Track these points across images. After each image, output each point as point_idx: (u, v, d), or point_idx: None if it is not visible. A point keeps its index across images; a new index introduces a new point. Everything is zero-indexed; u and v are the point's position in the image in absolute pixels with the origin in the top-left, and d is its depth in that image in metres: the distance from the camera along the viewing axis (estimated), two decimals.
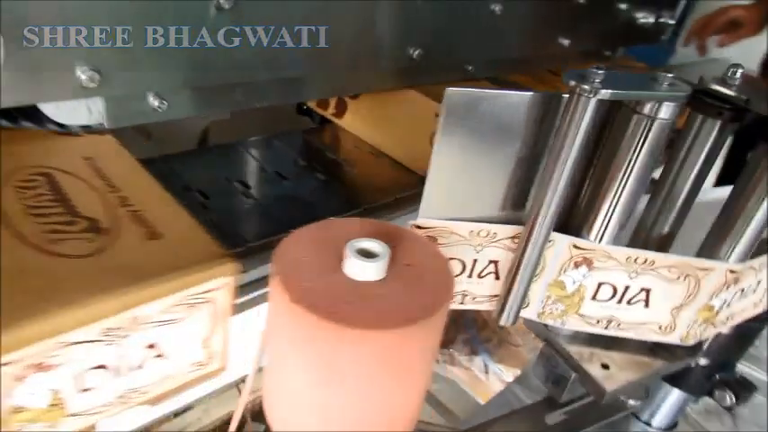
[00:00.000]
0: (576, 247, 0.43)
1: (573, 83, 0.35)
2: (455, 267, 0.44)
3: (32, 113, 0.37)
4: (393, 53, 0.56)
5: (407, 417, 0.37)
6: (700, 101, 0.43)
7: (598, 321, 0.47)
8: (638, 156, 0.40)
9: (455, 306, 0.47)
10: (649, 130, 0.39)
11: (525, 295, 0.45)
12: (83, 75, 0.36)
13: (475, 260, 0.44)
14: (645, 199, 0.49)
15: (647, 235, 0.49)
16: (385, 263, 0.32)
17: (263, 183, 0.58)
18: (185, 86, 0.43)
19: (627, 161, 0.41)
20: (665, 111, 0.39)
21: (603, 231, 0.44)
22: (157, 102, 0.42)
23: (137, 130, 0.81)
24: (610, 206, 0.42)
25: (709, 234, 0.46)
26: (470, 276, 0.45)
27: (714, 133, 0.42)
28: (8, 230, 0.36)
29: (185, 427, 0.93)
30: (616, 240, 0.45)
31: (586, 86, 0.35)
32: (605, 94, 0.36)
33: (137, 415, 0.40)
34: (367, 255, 0.32)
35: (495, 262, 0.45)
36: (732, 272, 0.44)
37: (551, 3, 0.66)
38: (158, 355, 0.37)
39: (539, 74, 0.77)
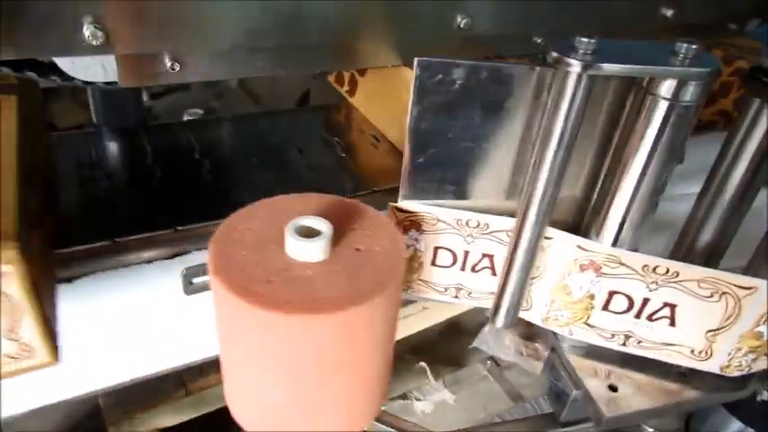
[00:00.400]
0: (580, 248, 0.38)
1: (555, 54, 0.30)
2: (445, 258, 0.41)
3: (37, 63, 0.40)
4: (435, 21, 0.51)
5: (358, 405, 0.35)
6: (757, 81, 0.35)
7: (613, 336, 0.40)
8: (653, 145, 0.34)
9: (450, 300, 0.44)
10: (668, 115, 0.33)
11: (522, 295, 0.40)
12: (87, 31, 0.37)
13: (467, 252, 0.41)
14: (690, 199, 0.42)
15: (691, 243, 0.42)
16: (325, 243, 0.30)
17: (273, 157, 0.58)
18: (198, 49, 0.43)
19: (639, 151, 0.34)
20: (686, 91, 0.32)
21: (617, 234, 0.37)
22: (170, 63, 0.43)
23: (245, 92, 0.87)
24: (620, 204, 0.36)
25: (760, 245, 0.38)
26: (463, 269, 0.42)
27: None
28: None
29: None
30: (635, 244, 0.38)
31: (572, 60, 0.30)
32: (597, 68, 0.30)
33: None
34: (311, 234, 0.31)
35: (490, 256, 0.40)
36: None
37: None
38: None
39: None
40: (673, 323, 0.39)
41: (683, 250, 0.42)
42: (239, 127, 0.62)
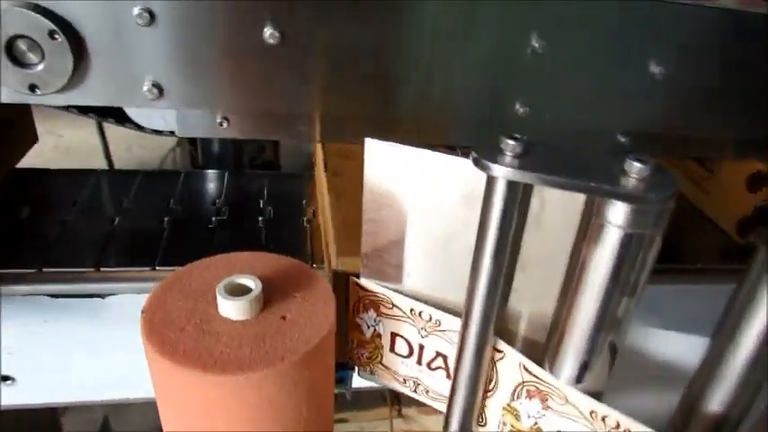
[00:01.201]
0: (526, 370, 0.33)
1: (474, 155, 0.28)
2: (402, 347, 0.39)
3: (117, 112, 0.49)
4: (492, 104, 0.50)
5: None
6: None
7: None
8: (598, 274, 0.29)
9: (410, 393, 0.41)
10: (612, 241, 0.28)
11: (473, 408, 0.36)
12: (145, 87, 0.45)
13: (421, 345, 0.38)
14: (701, 343, 0.34)
15: (693, 408, 0.34)
16: (250, 303, 0.32)
17: None
18: (242, 112, 0.49)
19: (587, 279, 0.29)
20: (635, 218, 0.27)
21: (568, 366, 0.32)
22: (220, 120, 0.49)
23: None
24: (570, 333, 0.31)
25: None
26: (419, 363, 0.39)
27: None
28: None
29: None
30: (595, 385, 0.32)
31: (489, 163, 0.28)
32: (510, 173, 0.27)
33: None
34: (243, 292, 0.33)
35: (444, 356, 0.38)
36: None
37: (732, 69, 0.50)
38: None
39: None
40: None
41: (684, 414, 0.34)
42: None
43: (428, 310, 0.36)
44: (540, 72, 0.47)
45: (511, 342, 0.35)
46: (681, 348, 0.35)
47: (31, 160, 0.58)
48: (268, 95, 0.46)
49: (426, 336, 0.37)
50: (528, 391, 0.34)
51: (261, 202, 0.58)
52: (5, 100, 0.39)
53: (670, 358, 0.35)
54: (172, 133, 0.51)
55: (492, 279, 0.31)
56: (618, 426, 0.30)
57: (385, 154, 0.33)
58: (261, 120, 0.51)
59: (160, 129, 0.50)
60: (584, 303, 0.30)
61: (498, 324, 0.35)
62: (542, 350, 0.34)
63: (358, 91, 0.44)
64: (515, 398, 0.35)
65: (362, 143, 0.34)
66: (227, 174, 0.61)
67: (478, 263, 0.31)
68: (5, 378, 0.49)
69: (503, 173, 0.27)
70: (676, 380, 0.37)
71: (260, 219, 0.55)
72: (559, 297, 0.32)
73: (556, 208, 0.31)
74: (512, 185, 0.28)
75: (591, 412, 0.31)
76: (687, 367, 0.36)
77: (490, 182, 0.29)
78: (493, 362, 0.35)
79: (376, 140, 0.33)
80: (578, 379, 0.32)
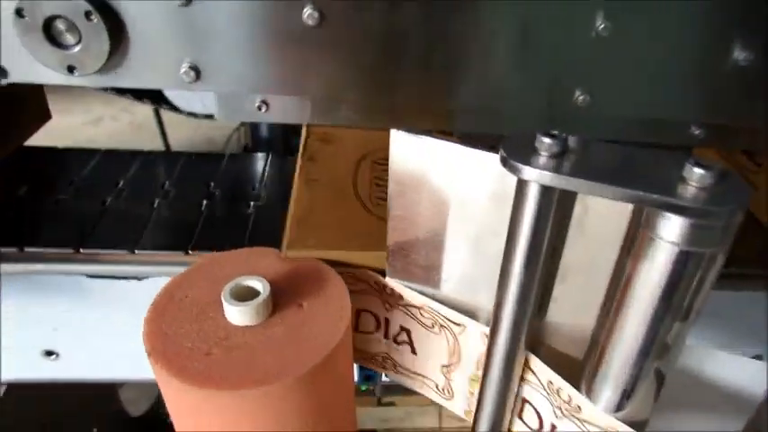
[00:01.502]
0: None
1: (503, 153, 0.25)
2: (368, 323, 0.36)
3: (155, 93, 0.48)
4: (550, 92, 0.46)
5: None
6: None
7: None
8: (647, 294, 0.25)
9: (385, 371, 0.39)
10: (664, 259, 0.24)
11: (501, 423, 0.33)
12: (182, 70, 0.44)
13: (386, 319, 0.36)
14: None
15: None
16: (259, 306, 0.30)
17: None
18: (281, 96, 0.47)
19: (633, 297, 0.26)
20: (692, 234, 0.23)
21: (607, 394, 0.28)
22: (258, 104, 0.47)
23: None
24: (609, 357, 0.27)
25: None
26: (386, 338, 0.37)
27: None
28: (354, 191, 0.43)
29: (387, 419, 1.01)
30: (638, 414, 0.28)
31: (518, 164, 0.24)
32: (543, 177, 0.24)
33: None
34: (249, 294, 0.31)
35: (408, 331, 0.35)
36: None
37: None
38: None
39: None
40: None
41: None
42: None
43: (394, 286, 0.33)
44: (604, 57, 0.42)
45: (551, 358, 0.32)
46: (743, 373, 0.30)
47: (107, 139, 0.59)
48: (307, 79, 0.44)
49: (390, 309, 0.35)
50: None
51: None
52: (43, 81, 0.40)
53: (730, 383, 0.31)
54: (209, 117, 0.50)
55: (523, 289, 0.28)
56: None
57: (411, 146, 0.31)
58: (300, 104, 0.49)
59: (198, 112, 0.49)
60: (628, 325, 0.26)
61: (536, 338, 0.32)
62: (580, 371, 0.30)
63: (403, 76, 0.41)
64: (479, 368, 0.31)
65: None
66: (269, 157, 0.59)
67: (507, 270, 0.28)
68: (50, 353, 0.50)
69: (535, 176, 0.24)
70: (739, 408, 0.32)
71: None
72: (600, 313, 0.29)
73: (601, 214, 0.27)
74: (546, 190, 0.25)
75: None
76: (752, 394, 0.31)
77: (521, 185, 0.25)
78: (455, 337, 0.32)
79: (401, 132, 0.30)
80: (618, 407, 0.28)
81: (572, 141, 0.25)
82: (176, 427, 0.33)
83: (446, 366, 0.34)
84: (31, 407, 0.55)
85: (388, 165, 0.32)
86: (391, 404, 0.99)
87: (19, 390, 0.52)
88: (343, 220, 0.38)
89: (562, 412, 0.30)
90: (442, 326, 0.33)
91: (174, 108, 0.49)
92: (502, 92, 0.42)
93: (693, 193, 0.22)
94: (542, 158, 0.24)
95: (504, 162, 0.25)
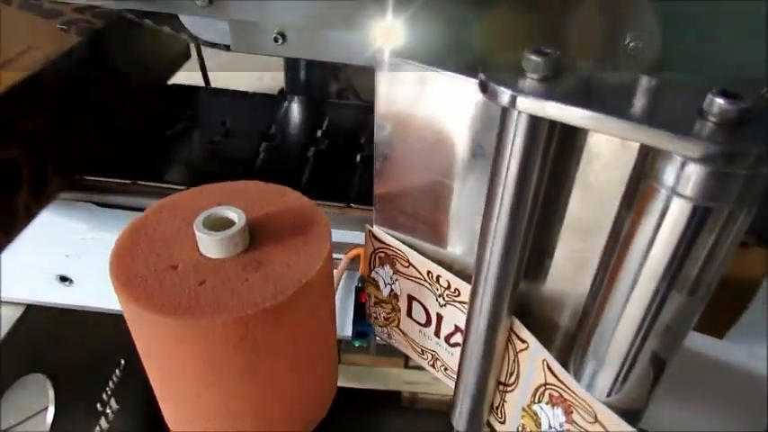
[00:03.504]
0: (550, 370, 0.26)
1: (482, 76, 0.20)
2: (419, 313, 0.33)
3: (173, 20, 0.46)
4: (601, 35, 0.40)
5: (278, 414, 0.32)
6: None
7: None
8: (644, 259, 0.20)
9: (427, 367, 0.35)
10: (670, 216, 0.19)
11: (483, 399, 0.30)
12: None
13: (440, 316, 0.32)
14: None
15: None
16: (232, 238, 0.28)
17: None
18: (297, 28, 0.44)
19: (629, 262, 0.21)
20: (693, 180, 0.18)
21: (597, 374, 0.24)
22: (275, 36, 0.45)
23: None
24: (600, 332, 0.23)
25: None
26: (437, 335, 0.33)
27: None
28: None
29: (413, 382, 0.98)
30: (635, 402, 0.24)
31: (497, 86, 0.20)
32: (528, 103, 0.19)
33: None
34: (224, 225, 0.29)
35: (462, 331, 0.31)
36: None
37: None
38: None
39: None
40: None
41: None
42: None
43: (446, 276, 0.30)
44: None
45: (550, 331, 0.27)
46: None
47: None
48: (325, 9, 0.41)
49: (444, 305, 0.31)
50: (551, 396, 0.26)
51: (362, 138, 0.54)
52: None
53: (747, 375, 0.26)
54: (227, 47, 0.47)
55: (507, 239, 0.23)
56: None
57: (395, 80, 0.26)
58: (318, 38, 0.46)
59: (213, 41, 0.46)
60: (623, 296, 0.21)
61: (531, 307, 0.28)
62: (575, 347, 0.26)
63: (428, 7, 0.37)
64: (536, 400, 0.27)
65: None
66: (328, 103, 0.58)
67: (489, 222, 0.24)
68: (64, 279, 0.51)
69: (515, 101, 0.19)
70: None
71: (358, 155, 0.52)
72: (594, 281, 0.24)
73: (603, 156, 0.22)
74: (534, 122, 0.20)
75: None
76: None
77: (504, 115, 0.21)
78: (515, 352, 0.28)
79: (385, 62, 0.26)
80: (608, 392, 0.24)
81: (567, 62, 0.20)
82: (144, 362, 0.31)
83: (502, 385, 0.30)
84: (53, 328, 0.56)
85: None
86: (418, 368, 0.96)
87: (39, 312, 0.53)
88: None
89: None
90: (508, 339, 0.29)
91: (193, 37, 0.47)
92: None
93: (713, 130, 0.17)
94: (529, 82, 0.20)
95: (483, 87, 0.20)
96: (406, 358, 0.93)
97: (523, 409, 0.28)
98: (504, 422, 0.31)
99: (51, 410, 0.56)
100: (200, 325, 0.26)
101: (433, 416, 1.00)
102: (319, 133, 0.55)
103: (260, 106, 0.59)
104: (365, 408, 0.99)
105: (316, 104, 0.60)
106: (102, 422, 0.65)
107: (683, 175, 0.18)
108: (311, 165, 0.50)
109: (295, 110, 0.59)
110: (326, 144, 0.53)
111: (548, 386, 0.26)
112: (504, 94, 0.20)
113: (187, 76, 0.66)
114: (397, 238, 0.31)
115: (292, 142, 0.54)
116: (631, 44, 0.40)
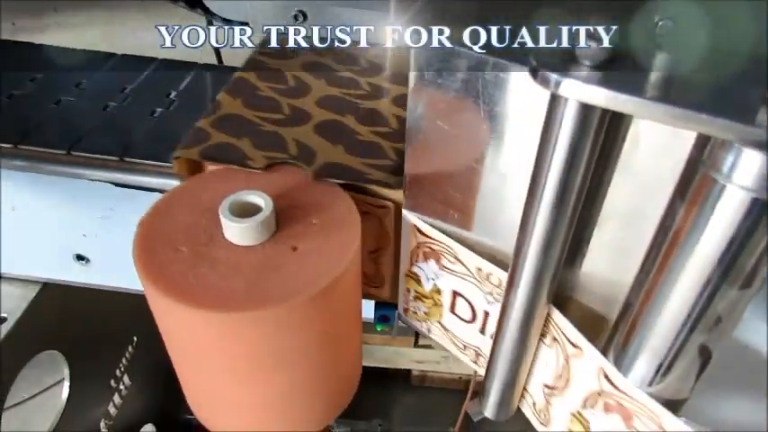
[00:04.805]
0: (607, 378, 0.25)
1: (533, 62, 0.20)
2: (463, 308, 0.32)
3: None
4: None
5: (307, 404, 0.32)
6: None
7: None
8: (696, 252, 0.20)
9: (469, 363, 0.35)
10: (724, 207, 0.19)
11: (514, 387, 0.30)
12: None
13: (487, 313, 0.31)
14: None
15: None
16: (259, 225, 0.27)
17: None
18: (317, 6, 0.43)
19: (680, 256, 0.20)
20: (757, 172, 0.17)
21: (646, 370, 0.24)
22: (295, 13, 0.44)
23: None
24: (646, 324, 0.23)
25: None
26: (483, 332, 0.32)
27: None
28: None
29: (422, 361, 0.99)
30: (687, 394, 0.24)
31: (547, 73, 0.19)
32: (582, 91, 0.19)
33: None
34: (251, 211, 0.28)
35: None
36: None
37: None
38: None
39: None
40: None
41: None
42: None
43: (498, 274, 0.29)
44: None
45: (582, 318, 0.27)
46: None
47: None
48: None
49: (493, 302, 0.30)
50: (606, 404, 0.26)
51: None
52: None
53: None
54: (244, 24, 0.46)
55: (548, 234, 0.23)
56: None
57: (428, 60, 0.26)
58: (338, 18, 0.45)
59: (231, 18, 0.46)
60: (673, 288, 0.21)
61: (563, 291, 0.27)
62: (610, 334, 0.26)
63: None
64: (587, 406, 0.27)
65: None
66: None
67: (532, 208, 0.23)
68: (81, 257, 0.51)
69: (570, 90, 0.19)
70: None
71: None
72: (639, 271, 0.24)
73: (654, 149, 0.21)
74: (585, 110, 0.20)
75: None
76: None
77: (554, 102, 0.20)
78: (566, 356, 0.27)
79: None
80: (650, 382, 0.23)
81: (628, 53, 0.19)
82: (169, 351, 0.31)
83: (549, 388, 0.29)
84: (68, 306, 0.56)
85: None
86: (428, 347, 0.96)
87: (55, 290, 0.53)
88: None
89: None
90: (554, 338, 0.28)
91: (209, 12, 0.46)
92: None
93: None
94: (583, 69, 0.19)
95: (534, 73, 0.20)
96: (416, 337, 0.93)
97: (573, 415, 0.28)
98: (545, 424, 0.30)
99: (66, 386, 0.57)
100: (245, 317, 0.25)
101: (443, 393, 1.01)
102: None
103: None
104: (377, 385, 1.00)
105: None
106: (116, 398, 0.66)
107: (745, 166, 0.18)
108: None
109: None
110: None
111: (602, 394, 0.26)
112: (557, 82, 0.19)
113: None
114: (426, 222, 0.31)
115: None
116: (660, 23, 0.39)
